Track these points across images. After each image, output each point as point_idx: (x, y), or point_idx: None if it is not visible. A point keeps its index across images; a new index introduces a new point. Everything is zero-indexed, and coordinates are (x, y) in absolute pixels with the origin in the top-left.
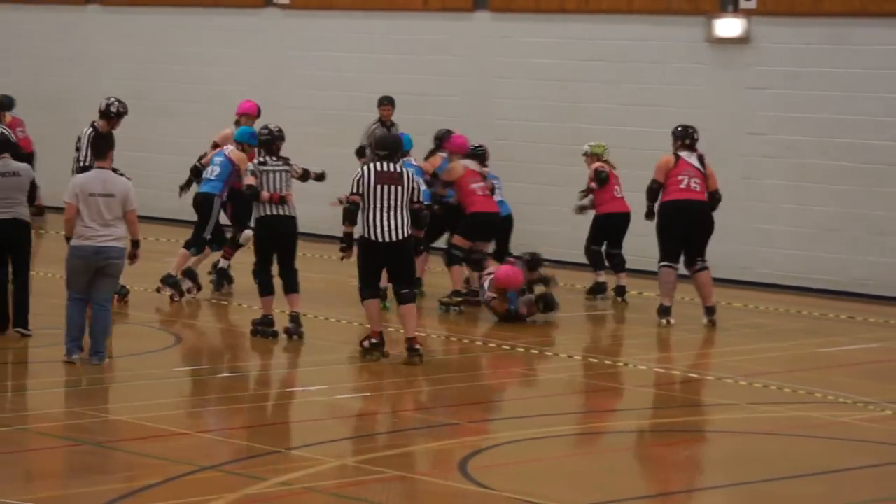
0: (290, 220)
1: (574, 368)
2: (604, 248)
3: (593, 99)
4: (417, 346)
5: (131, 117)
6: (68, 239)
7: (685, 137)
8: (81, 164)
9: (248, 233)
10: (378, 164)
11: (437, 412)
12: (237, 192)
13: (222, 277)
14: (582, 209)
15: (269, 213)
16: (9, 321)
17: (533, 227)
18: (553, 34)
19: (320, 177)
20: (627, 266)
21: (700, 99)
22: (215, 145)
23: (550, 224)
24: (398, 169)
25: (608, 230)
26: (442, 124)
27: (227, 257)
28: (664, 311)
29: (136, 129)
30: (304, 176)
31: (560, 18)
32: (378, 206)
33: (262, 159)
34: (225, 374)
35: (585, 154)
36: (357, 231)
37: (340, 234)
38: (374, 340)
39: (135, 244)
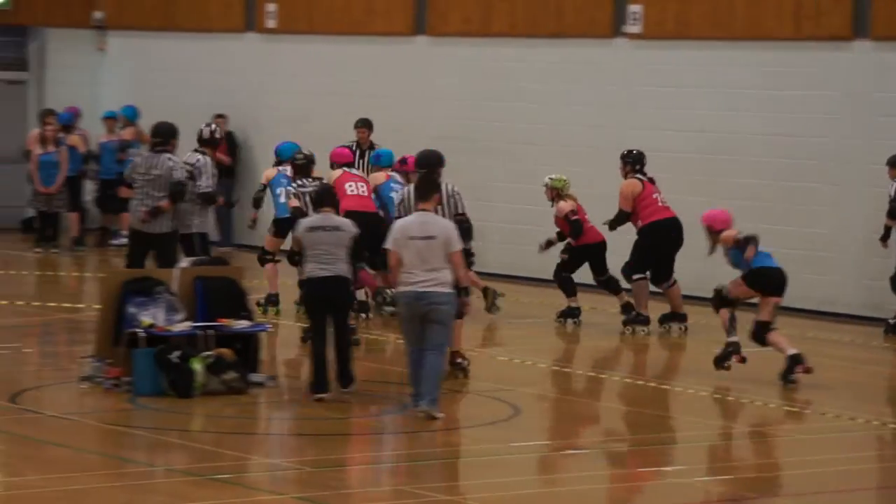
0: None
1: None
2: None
3: None
4: (459, 360)
5: (462, 160)
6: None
7: (639, 161)
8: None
9: None
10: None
11: None
12: None
13: None
14: (549, 244)
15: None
16: (327, 383)
17: None
18: None
19: None
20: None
21: None
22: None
23: None
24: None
25: (587, 259)
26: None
27: None
28: (646, 320)
29: (468, 173)
30: None
31: None
32: None
33: (299, 182)
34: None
35: (546, 186)
36: None
37: None
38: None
39: (462, 291)
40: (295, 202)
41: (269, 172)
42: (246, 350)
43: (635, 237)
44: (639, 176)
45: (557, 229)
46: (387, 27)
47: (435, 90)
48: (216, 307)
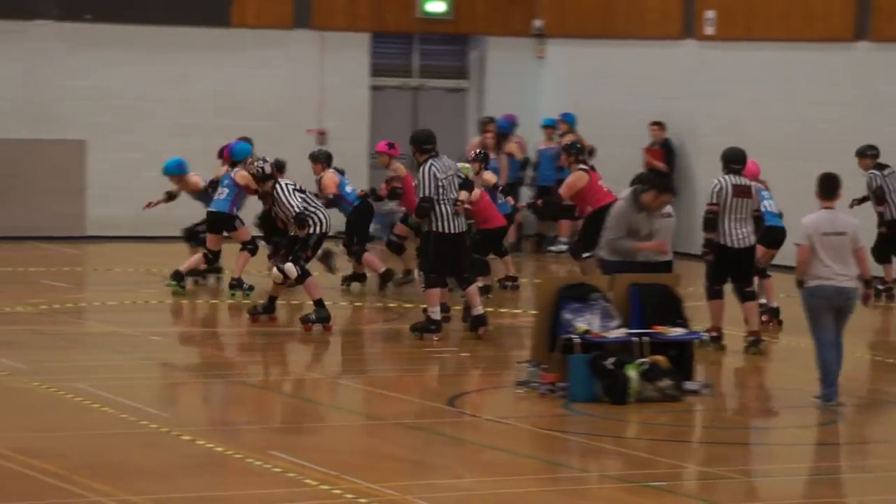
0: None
1: None
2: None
3: None
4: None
5: None
6: (800, 283)
7: (582, 153)
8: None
9: None
10: None
11: None
12: None
13: None
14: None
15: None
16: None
17: None
18: None
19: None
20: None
21: None
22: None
23: None
24: None
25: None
26: None
27: None
28: None
29: None
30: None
31: None
32: None
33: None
34: None
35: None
36: None
37: None
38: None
39: (866, 283)
40: None
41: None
42: (680, 357)
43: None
44: (582, 167)
45: None
46: (826, 32)
47: (878, 97)
48: (651, 314)
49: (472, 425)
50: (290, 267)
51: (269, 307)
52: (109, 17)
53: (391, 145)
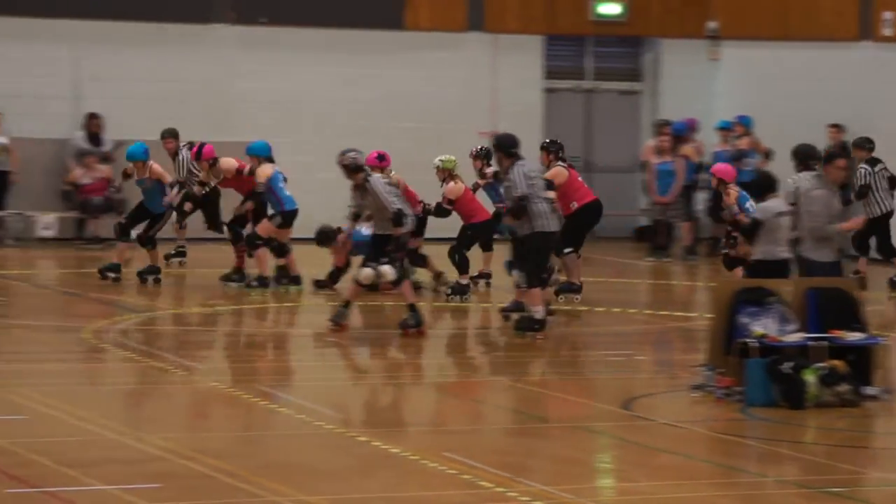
0: None
1: None
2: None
3: None
4: None
5: None
6: None
7: (561, 149)
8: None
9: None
10: None
11: None
12: None
13: None
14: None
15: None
16: None
17: None
18: None
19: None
20: None
21: None
22: None
23: None
24: None
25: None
26: None
27: None
28: (579, 288)
29: None
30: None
31: None
32: None
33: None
34: None
35: (437, 168)
36: None
37: None
38: None
39: None
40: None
41: (266, 170)
42: (859, 362)
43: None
44: (561, 163)
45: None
46: None
47: None
48: (828, 318)
49: (647, 429)
50: (387, 269)
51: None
52: (285, 21)
53: (381, 157)
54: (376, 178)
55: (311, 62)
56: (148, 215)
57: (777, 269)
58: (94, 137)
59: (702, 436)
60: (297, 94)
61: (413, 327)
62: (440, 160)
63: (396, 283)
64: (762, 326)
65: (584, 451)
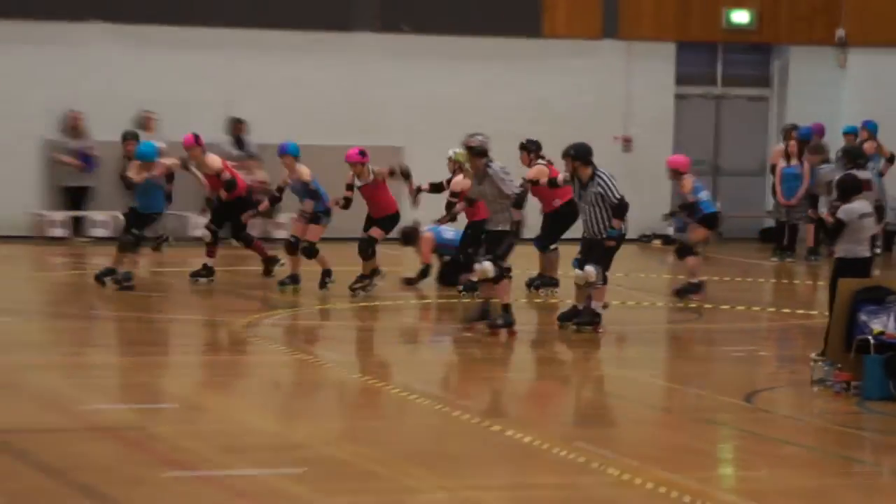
0: None
1: None
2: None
3: None
4: None
5: None
6: None
7: (539, 148)
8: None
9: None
10: None
11: None
12: None
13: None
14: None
15: None
16: None
17: None
18: None
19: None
20: None
21: None
22: None
23: None
24: None
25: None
26: None
27: None
28: (556, 283)
29: None
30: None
31: None
32: None
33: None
34: None
35: (449, 159)
36: None
37: None
38: None
39: None
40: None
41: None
42: None
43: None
44: (541, 161)
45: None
46: None
47: None
48: None
49: (768, 421)
50: (488, 266)
51: (482, 314)
52: (426, 28)
53: (363, 153)
54: (496, 165)
55: (452, 68)
56: (138, 216)
57: (858, 266)
58: (239, 141)
59: (820, 428)
60: (436, 99)
61: (502, 327)
62: (453, 152)
63: (496, 280)
64: (881, 324)
65: (708, 441)
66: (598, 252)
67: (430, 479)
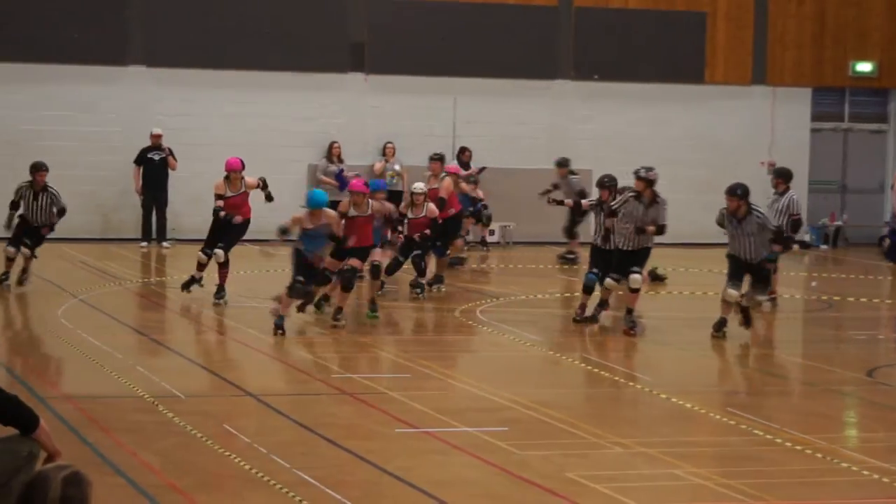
0: None
1: None
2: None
3: None
4: None
5: None
6: None
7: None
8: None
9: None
10: None
11: None
12: None
13: None
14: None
15: None
16: None
17: None
18: None
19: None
20: None
21: None
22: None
23: None
24: None
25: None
26: None
27: None
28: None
29: None
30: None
31: None
32: None
33: None
34: None
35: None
36: None
37: None
38: None
39: None
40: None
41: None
42: None
43: None
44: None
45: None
46: None
47: None
48: None
49: (887, 392)
50: (637, 277)
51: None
52: (611, 77)
53: (367, 184)
54: (663, 198)
55: (630, 109)
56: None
57: None
58: (464, 165)
59: None
60: (619, 133)
61: (633, 328)
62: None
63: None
64: None
65: (835, 408)
66: (758, 272)
67: (609, 437)
